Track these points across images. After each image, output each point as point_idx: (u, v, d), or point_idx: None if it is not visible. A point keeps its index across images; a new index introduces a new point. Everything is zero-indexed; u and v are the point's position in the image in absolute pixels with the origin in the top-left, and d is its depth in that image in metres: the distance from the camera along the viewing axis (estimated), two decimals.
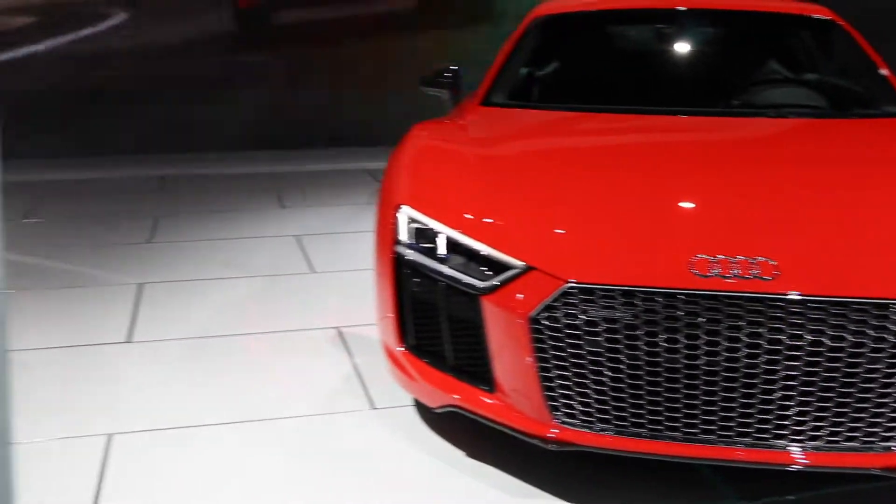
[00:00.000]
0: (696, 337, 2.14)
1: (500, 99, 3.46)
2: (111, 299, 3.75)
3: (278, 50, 7.17)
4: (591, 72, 3.74)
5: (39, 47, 6.76)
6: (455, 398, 2.47)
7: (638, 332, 2.17)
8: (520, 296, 2.28)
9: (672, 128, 3.18)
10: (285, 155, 6.84)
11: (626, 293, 2.18)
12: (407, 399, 2.84)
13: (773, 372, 2.13)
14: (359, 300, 3.68)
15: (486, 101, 3.44)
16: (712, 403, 2.16)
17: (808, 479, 2.37)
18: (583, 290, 2.21)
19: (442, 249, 2.47)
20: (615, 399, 2.21)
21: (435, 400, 2.55)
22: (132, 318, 3.54)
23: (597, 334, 2.19)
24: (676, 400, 2.18)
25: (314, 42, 7.18)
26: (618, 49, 3.95)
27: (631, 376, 2.19)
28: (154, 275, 4.06)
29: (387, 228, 2.62)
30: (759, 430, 2.17)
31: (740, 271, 2.18)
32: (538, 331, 2.24)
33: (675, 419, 2.19)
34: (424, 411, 2.76)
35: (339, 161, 6.62)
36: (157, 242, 4.61)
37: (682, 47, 3.87)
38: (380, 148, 6.48)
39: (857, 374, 2.12)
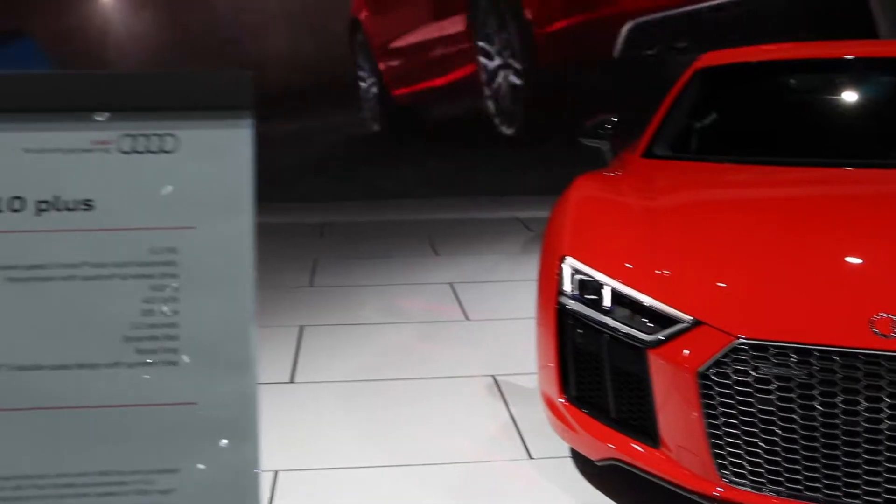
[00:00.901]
0: (879, 399, 2.06)
1: (663, 151, 3.45)
2: (275, 340, 3.90)
3: None
4: (755, 123, 3.67)
5: None
6: (618, 451, 2.45)
7: (813, 392, 2.10)
8: (688, 350, 2.25)
9: (840, 180, 3.09)
10: (437, 203, 6.98)
11: (800, 351, 2.12)
12: (564, 450, 2.82)
13: None
14: (513, 349, 3.70)
15: (648, 153, 3.43)
16: (895, 471, 2.07)
17: None
18: (754, 347, 2.16)
19: (607, 301, 2.47)
20: (788, 460, 2.14)
21: (596, 452, 2.53)
22: (294, 360, 3.67)
23: (769, 392, 2.14)
24: (854, 465, 2.09)
25: None
26: (784, 100, 3.87)
27: (805, 437, 2.12)
28: (314, 318, 4.20)
29: (550, 279, 2.64)
30: None
31: None
32: (707, 386, 2.21)
33: (854, 485, 2.10)
34: (583, 463, 2.74)
35: (490, 210, 6.69)
36: (317, 287, 4.78)
37: (849, 98, 3.76)
38: (531, 197, 6.56)
39: None
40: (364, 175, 7.60)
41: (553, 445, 2.81)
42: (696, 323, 2.28)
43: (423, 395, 3.34)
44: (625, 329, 2.40)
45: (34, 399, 0.92)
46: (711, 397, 2.20)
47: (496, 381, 3.41)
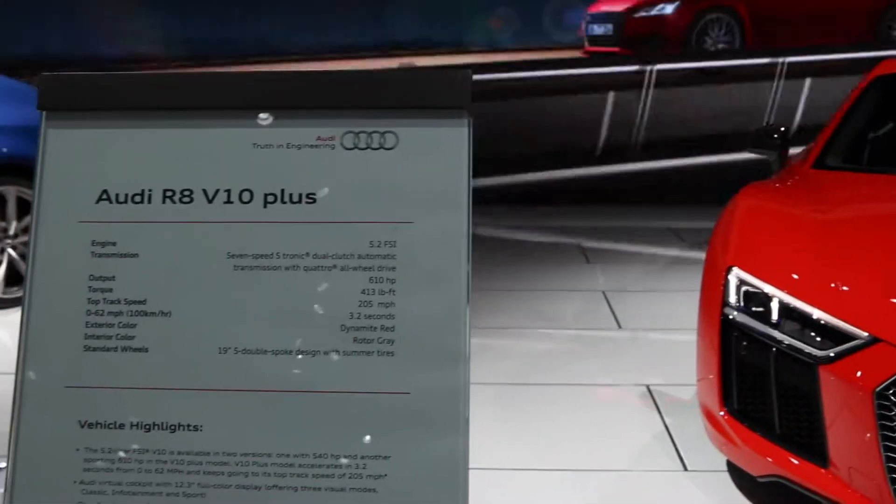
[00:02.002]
0: None
1: (835, 161, 3.31)
2: None
3: None
4: None
5: None
6: (781, 468, 2.36)
7: None
8: (863, 368, 2.15)
9: None
10: (588, 211, 6.93)
11: None
12: (721, 463, 2.75)
13: None
14: (667, 359, 3.63)
15: (819, 164, 3.30)
16: None
17: None
18: None
19: (775, 314, 2.39)
20: None
21: (758, 468, 2.45)
22: None
23: None
24: None
25: None
26: None
27: None
28: (476, 321, 4.24)
29: (714, 289, 2.57)
30: None
31: None
32: (884, 407, 2.10)
33: None
34: (740, 478, 2.66)
35: (642, 219, 6.60)
36: (478, 291, 4.82)
37: None
38: (685, 207, 6.43)
39: None
40: None
41: (709, 458, 2.74)
42: (873, 340, 2.17)
43: (575, 402, 3.31)
44: (794, 343, 2.31)
45: (257, 382, 0.96)
46: (889, 418, 2.10)
47: (650, 391, 3.35)
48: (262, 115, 1.01)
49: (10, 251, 4.57)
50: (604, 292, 4.69)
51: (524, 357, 3.76)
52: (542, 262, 5.44)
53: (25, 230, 4.62)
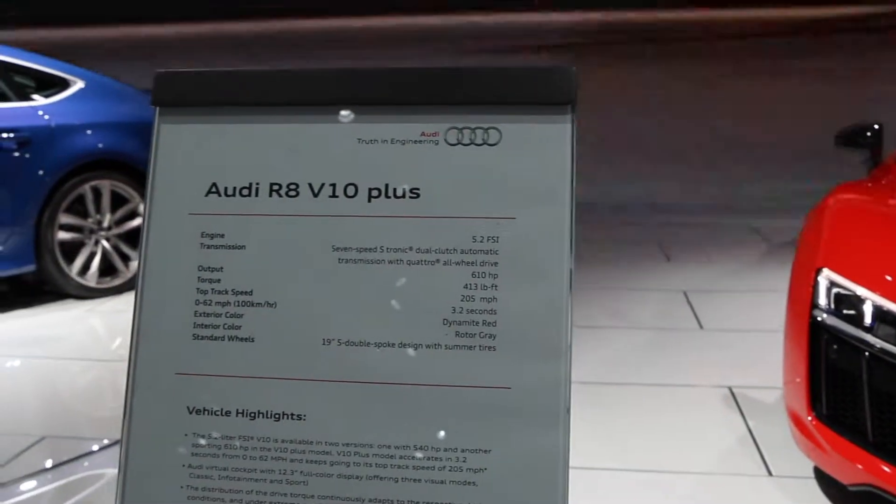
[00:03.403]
0: None
1: None
2: None
3: None
4: None
5: None
6: (875, 477, 2.30)
7: None
8: None
9: None
10: (668, 207, 6.85)
11: None
12: (808, 469, 2.69)
13: None
14: (751, 361, 3.56)
15: None
16: None
17: None
18: None
19: (868, 317, 2.33)
20: None
21: (849, 476, 2.38)
22: None
23: None
24: None
25: None
26: None
27: None
28: None
29: (803, 291, 2.52)
30: None
31: None
32: None
33: None
34: (829, 485, 2.60)
35: (724, 216, 6.49)
36: None
37: None
38: (768, 205, 6.30)
39: None
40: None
41: (795, 464, 2.68)
42: None
43: (656, 402, 3.28)
44: (887, 347, 2.25)
45: (360, 373, 0.97)
46: None
47: (732, 393, 3.30)
48: (367, 111, 1.02)
49: (105, 242, 4.71)
50: (685, 292, 4.63)
51: (604, 356, 3.73)
52: (620, 259, 5.40)
53: (119, 223, 4.75)
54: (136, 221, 4.74)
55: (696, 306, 4.38)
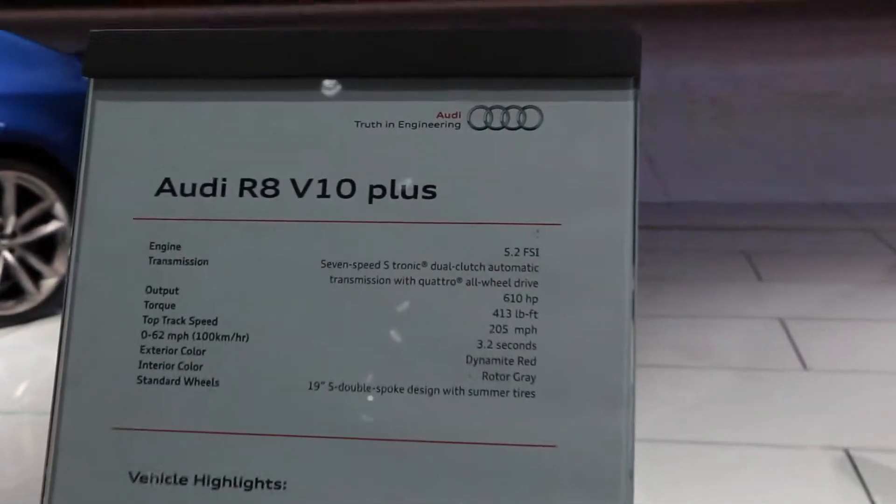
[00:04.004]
0: None
1: None
2: None
3: None
4: None
5: None
6: None
7: None
8: None
9: None
10: (757, 205, 6.85)
11: None
12: None
13: None
14: (872, 414, 3.57)
15: None
16: None
17: None
18: None
19: None
20: None
21: None
22: None
23: None
24: None
25: None
26: None
27: None
28: None
29: None
30: None
31: None
32: None
33: None
34: None
35: (833, 217, 6.49)
36: None
37: None
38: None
39: None
40: None
41: None
42: None
43: (750, 467, 3.28)
44: None
45: (358, 427, 0.99)
46: None
47: (849, 457, 3.30)
48: (366, 86, 1.04)
49: (7, 254, 4.74)
50: (781, 320, 4.63)
51: (676, 406, 3.74)
52: (697, 277, 5.40)
53: (26, 228, 4.78)
54: (52, 226, 4.77)
55: (798, 339, 4.38)
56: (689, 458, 3.34)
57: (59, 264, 4.74)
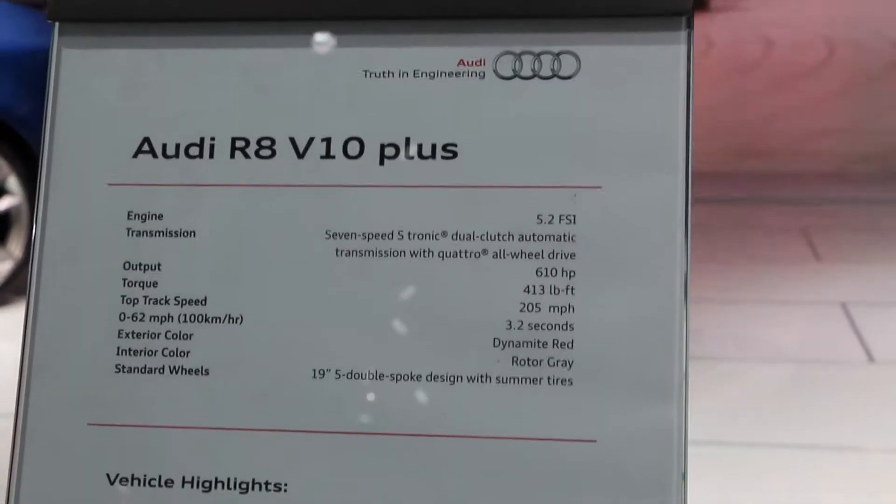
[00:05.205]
0: None
1: None
2: None
3: None
4: None
5: None
6: None
7: None
8: None
9: None
10: (816, 175, 6.84)
11: None
12: None
13: None
14: None
15: None
16: None
17: None
18: None
19: None
20: None
21: None
22: None
23: None
24: None
25: None
26: None
27: None
28: None
29: None
30: None
31: None
32: None
33: None
34: None
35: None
36: None
37: None
38: None
39: None
40: None
41: None
42: None
43: (806, 471, 3.28)
44: None
45: (367, 422, 0.99)
46: None
47: None
48: (375, 29, 1.04)
49: None
50: (843, 304, 4.63)
51: (726, 403, 3.74)
52: (748, 257, 5.39)
53: None
54: (4, 203, 4.74)
55: (862, 327, 4.38)
56: (740, 462, 3.34)
57: (14, 246, 4.71)
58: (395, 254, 1.01)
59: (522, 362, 0.98)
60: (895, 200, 6.34)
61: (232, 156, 1.04)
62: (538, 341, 0.98)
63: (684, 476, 0.96)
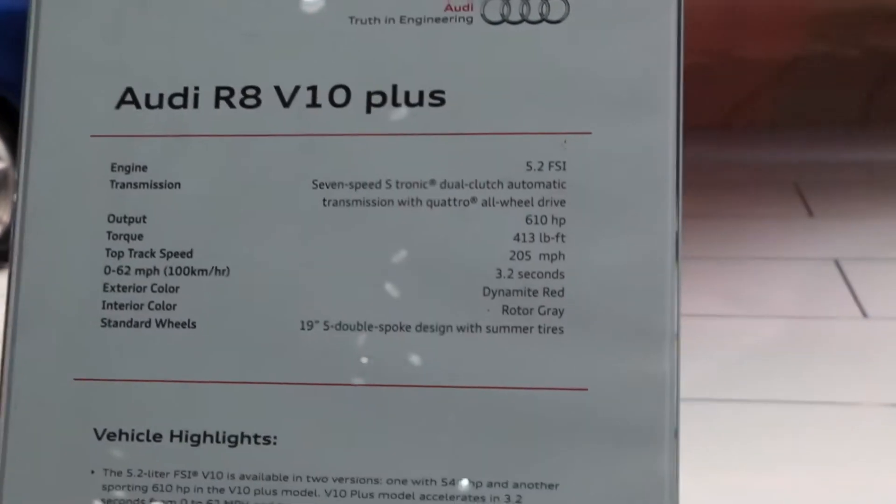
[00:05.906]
0: None
1: None
2: None
3: None
4: None
5: None
6: None
7: None
8: None
9: None
10: (805, 135, 6.83)
11: None
12: None
13: None
14: None
15: None
16: None
17: None
18: None
19: None
20: None
21: None
22: None
23: None
24: None
25: None
26: None
27: None
28: None
29: None
30: None
31: None
32: None
33: None
34: None
35: (886, 147, 6.48)
36: None
37: None
38: None
39: None
40: None
41: None
42: None
43: (802, 426, 3.29)
44: None
45: (356, 373, 0.99)
46: None
47: None
48: None
49: None
50: (836, 261, 4.63)
51: (719, 359, 3.75)
52: (742, 214, 5.39)
53: None
54: None
55: (855, 283, 4.38)
56: (734, 418, 3.35)
57: (2, 211, 4.68)
58: (383, 203, 1.00)
59: (513, 311, 0.98)
60: (889, 157, 6.33)
61: (217, 105, 1.04)
62: (529, 290, 0.98)
63: (677, 433, 0.96)
